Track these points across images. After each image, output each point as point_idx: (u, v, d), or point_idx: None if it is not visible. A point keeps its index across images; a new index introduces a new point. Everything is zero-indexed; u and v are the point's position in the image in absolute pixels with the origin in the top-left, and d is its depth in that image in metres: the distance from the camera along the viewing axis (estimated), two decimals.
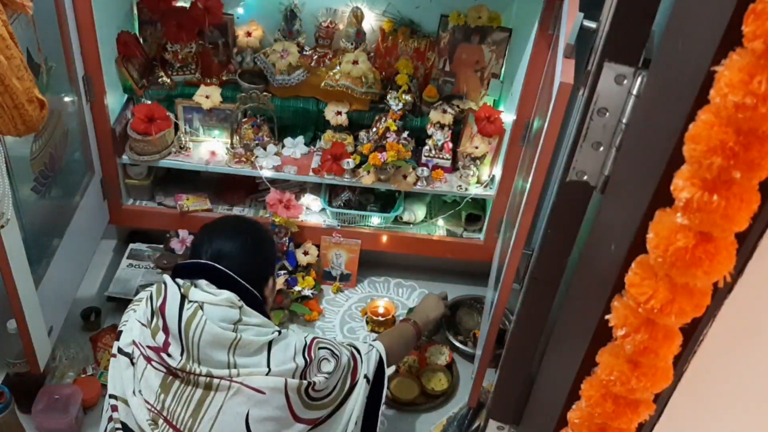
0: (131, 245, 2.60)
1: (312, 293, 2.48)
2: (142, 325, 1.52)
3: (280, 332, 1.53)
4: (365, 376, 1.69)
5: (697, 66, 0.62)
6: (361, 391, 1.66)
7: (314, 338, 1.59)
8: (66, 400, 2.02)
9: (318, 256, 2.54)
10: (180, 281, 1.51)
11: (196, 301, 1.46)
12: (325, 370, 1.56)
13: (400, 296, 2.62)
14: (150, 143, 2.34)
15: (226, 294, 1.48)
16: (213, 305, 1.46)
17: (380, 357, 1.76)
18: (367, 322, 2.48)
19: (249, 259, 1.58)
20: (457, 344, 2.40)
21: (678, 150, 0.61)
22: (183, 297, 1.47)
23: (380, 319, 2.44)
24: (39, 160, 1.93)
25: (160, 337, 1.47)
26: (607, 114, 0.94)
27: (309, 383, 1.51)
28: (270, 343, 1.50)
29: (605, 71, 0.92)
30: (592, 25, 1.29)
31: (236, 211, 2.56)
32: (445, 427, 2.18)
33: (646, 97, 0.88)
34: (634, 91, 0.91)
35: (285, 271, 2.49)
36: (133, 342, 1.53)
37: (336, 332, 2.44)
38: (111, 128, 2.30)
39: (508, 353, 1.46)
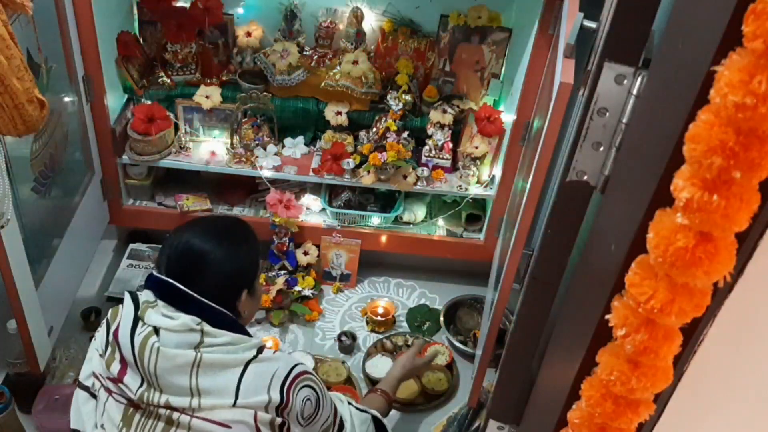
0: (131, 245, 2.60)
1: (312, 293, 2.48)
2: (100, 355, 1.41)
3: (260, 352, 1.37)
4: None
5: (697, 66, 0.62)
6: None
7: (301, 372, 1.41)
8: (66, 400, 2.01)
9: (318, 256, 2.54)
10: (142, 298, 1.39)
11: (151, 325, 1.34)
12: (307, 416, 1.41)
13: (400, 296, 2.62)
14: (150, 143, 2.35)
15: (183, 319, 1.33)
16: (168, 331, 1.33)
17: (380, 421, 1.70)
18: (367, 322, 2.48)
19: (218, 272, 1.40)
20: (457, 344, 2.40)
21: (678, 150, 0.61)
22: (137, 319, 1.35)
23: (380, 319, 2.44)
24: (39, 160, 1.93)
25: (115, 366, 1.36)
26: (607, 114, 0.94)
27: (284, 423, 1.37)
28: (247, 364, 1.35)
29: (605, 71, 0.92)
30: (592, 25, 1.29)
31: (236, 211, 2.56)
32: (445, 427, 2.18)
33: (646, 97, 0.87)
34: (634, 91, 0.91)
35: (285, 271, 2.49)
36: (93, 374, 1.43)
37: (336, 332, 2.44)
38: (111, 128, 2.30)
39: (508, 353, 1.46)
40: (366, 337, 2.45)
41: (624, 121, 0.93)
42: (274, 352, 1.43)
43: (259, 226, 2.49)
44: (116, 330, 1.37)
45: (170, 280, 1.37)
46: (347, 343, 2.37)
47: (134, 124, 2.34)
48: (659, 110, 0.77)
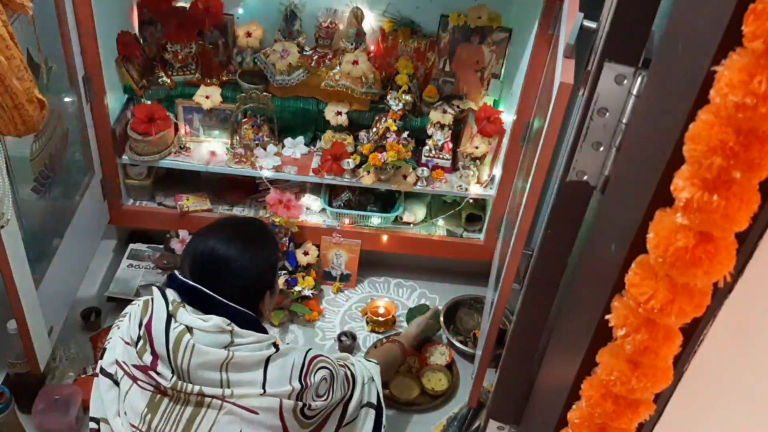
0: (131, 245, 2.60)
1: (312, 293, 2.48)
2: (126, 343, 1.44)
3: (278, 348, 1.45)
4: (369, 403, 1.67)
5: (697, 66, 0.62)
6: (368, 418, 1.65)
7: (314, 357, 1.50)
8: (66, 400, 2.02)
9: (318, 256, 2.54)
10: (170, 296, 1.42)
11: (184, 324, 1.38)
12: (322, 393, 1.51)
13: (400, 296, 2.62)
14: (150, 143, 2.35)
15: (214, 320, 1.40)
16: (202, 331, 1.38)
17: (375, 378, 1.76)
18: (367, 323, 2.48)
19: (243, 276, 1.47)
20: (457, 344, 2.40)
21: (678, 150, 0.61)
22: (170, 316, 1.39)
23: (380, 319, 2.44)
24: (39, 160, 1.93)
25: (147, 357, 1.40)
26: (607, 114, 0.94)
27: (305, 404, 1.46)
28: (268, 359, 1.43)
29: (605, 71, 0.92)
30: (592, 25, 1.29)
31: (236, 211, 2.56)
32: (445, 427, 2.18)
33: (646, 97, 0.88)
34: (634, 91, 0.91)
35: (285, 271, 2.49)
36: (116, 362, 1.46)
37: (336, 332, 2.43)
38: (111, 128, 2.30)
39: (508, 353, 1.46)
40: (366, 337, 2.45)
41: (624, 121, 0.93)
42: (287, 343, 1.51)
43: None
44: (149, 324, 1.40)
45: (198, 286, 1.43)
46: (347, 343, 2.37)
47: (134, 124, 2.34)
48: (659, 110, 0.77)
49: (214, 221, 1.61)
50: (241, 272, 1.47)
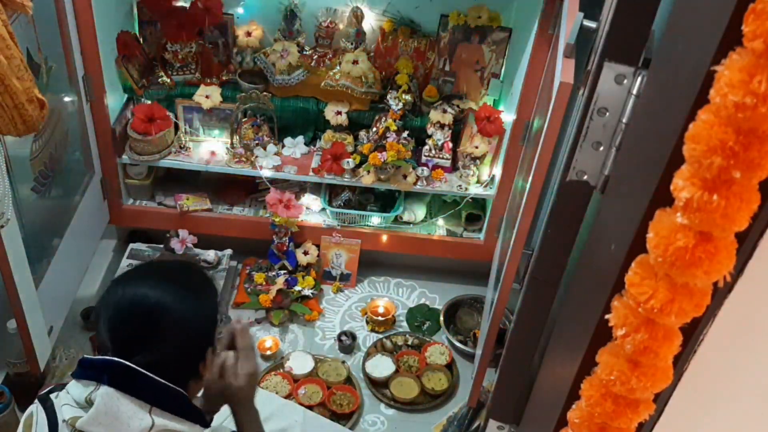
0: (131, 245, 2.60)
1: (312, 293, 2.48)
2: None
3: None
4: None
5: (697, 66, 0.62)
6: None
7: None
8: None
9: (318, 256, 2.54)
10: (66, 410, 1.10)
11: None
12: None
13: (400, 296, 2.62)
14: (150, 143, 2.35)
15: None
16: None
17: None
18: (367, 322, 2.48)
19: (185, 329, 1.15)
20: (457, 344, 2.40)
21: (678, 150, 0.61)
22: None
23: (380, 319, 2.44)
24: (39, 160, 1.93)
25: None
26: (607, 114, 0.94)
27: None
28: None
29: (605, 71, 0.92)
30: (592, 25, 1.29)
31: (236, 211, 2.56)
32: (445, 427, 2.18)
33: (646, 97, 0.87)
34: (634, 91, 0.91)
35: (285, 271, 2.50)
36: None
37: (336, 332, 2.43)
38: (111, 128, 2.30)
39: (508, 353, 1.46)
40: (366, 337, 2.45)
41: (624, 121, 0.93)
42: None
43: (259, 226, 2.50)
44: None
45: (127, 363, 1.10)
46: (347, 343, 2.37)
47: (134, 124, 2.34)
48: (659, 110, 0.77)
49: (138, 266, 1.33)
50: (182, 325, 1.15)
